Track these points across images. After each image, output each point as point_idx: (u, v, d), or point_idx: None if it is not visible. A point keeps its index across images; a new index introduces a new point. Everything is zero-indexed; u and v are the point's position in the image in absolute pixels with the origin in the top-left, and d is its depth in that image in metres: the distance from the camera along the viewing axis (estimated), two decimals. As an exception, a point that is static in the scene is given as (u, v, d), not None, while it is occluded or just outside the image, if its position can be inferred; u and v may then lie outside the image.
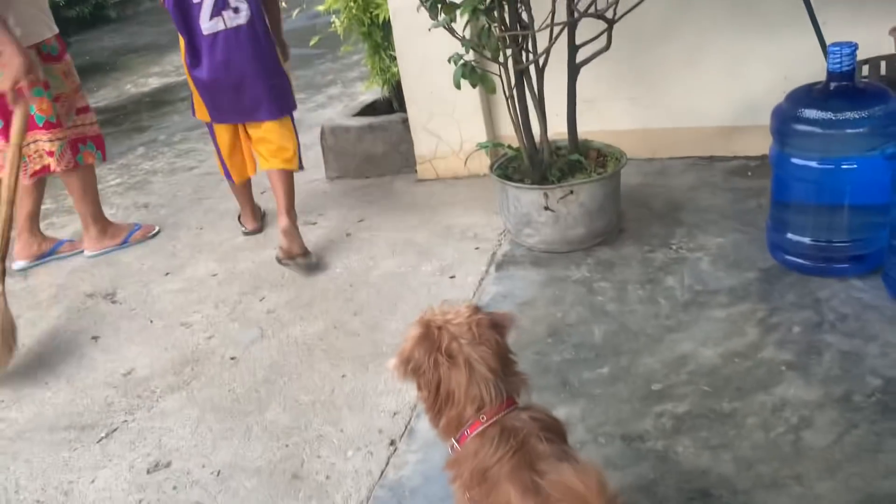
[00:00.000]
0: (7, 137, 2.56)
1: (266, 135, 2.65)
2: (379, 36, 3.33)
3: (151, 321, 2.49)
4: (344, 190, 3.32)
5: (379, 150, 3.36)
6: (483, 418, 1.23)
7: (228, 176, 2.85)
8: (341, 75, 5.39)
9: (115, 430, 1.98)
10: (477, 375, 1.24)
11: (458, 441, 1.26)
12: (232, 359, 2.21)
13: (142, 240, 3.08)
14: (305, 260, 2.60)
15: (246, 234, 3.00)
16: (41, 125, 2.74)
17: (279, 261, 2.61)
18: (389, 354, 2.04)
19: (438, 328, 1.28)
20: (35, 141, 2.77)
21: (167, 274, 2.79)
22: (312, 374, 2.07)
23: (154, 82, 6.28)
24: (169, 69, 6.64)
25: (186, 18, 2.49)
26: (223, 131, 2.74)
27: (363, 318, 2.30)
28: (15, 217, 2.61)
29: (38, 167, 2.82)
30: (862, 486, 1.43)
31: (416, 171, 3.29)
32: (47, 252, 3.03)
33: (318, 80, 5.34)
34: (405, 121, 3.26)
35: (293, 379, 2.07)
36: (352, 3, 3.24)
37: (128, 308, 2.60)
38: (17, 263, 2.95)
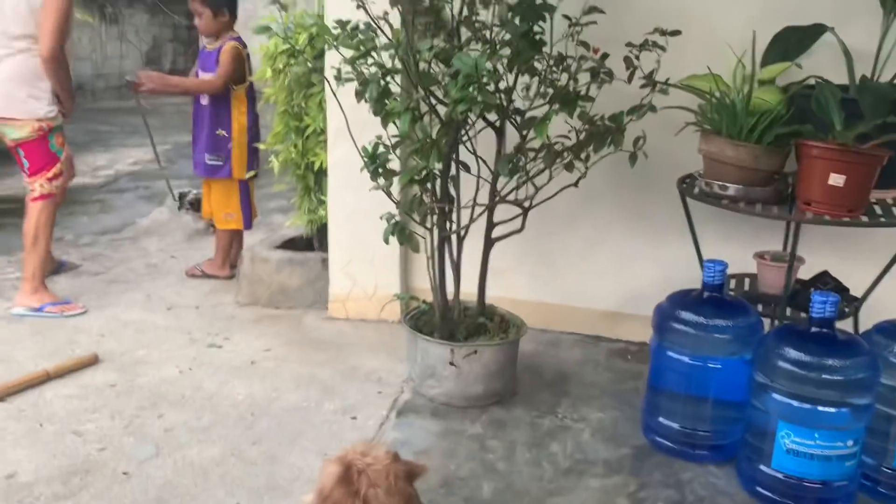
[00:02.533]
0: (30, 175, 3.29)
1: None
2: (311, 180, 3.57)
3: (41, 424, 2.45)
4: (253, 317, 3.41)
5: (294, 283, 3.51)
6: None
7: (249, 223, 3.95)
8: (259, 204, 5.54)
9: (-9, 536, 1.92)
10: None
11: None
12: (124, 473, 2.20)
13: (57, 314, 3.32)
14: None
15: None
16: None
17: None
18: (285, 488, 2.13)
19: (359, 472, 1.41)
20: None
21: (63, 378, 2.76)
22: (207, 499, 2.09)
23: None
24: (84, 169, 6.60)
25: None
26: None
27: (262, 449, 2.36)
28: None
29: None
30: None
31: (327, 308, 3.44)
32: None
33: (237, 204, 5.47)
34: (324, 260, 3.45)
35: (186, 502, 2.08)
36: (292, 148, 3.49)
37: (16, 408, 2.54)
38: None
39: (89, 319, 3.31)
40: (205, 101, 3.73)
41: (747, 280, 2.80)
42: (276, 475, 2.22)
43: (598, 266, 3.17)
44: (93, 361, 2.89)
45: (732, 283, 2.79)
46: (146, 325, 3.27)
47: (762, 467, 2.12)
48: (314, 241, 3.75)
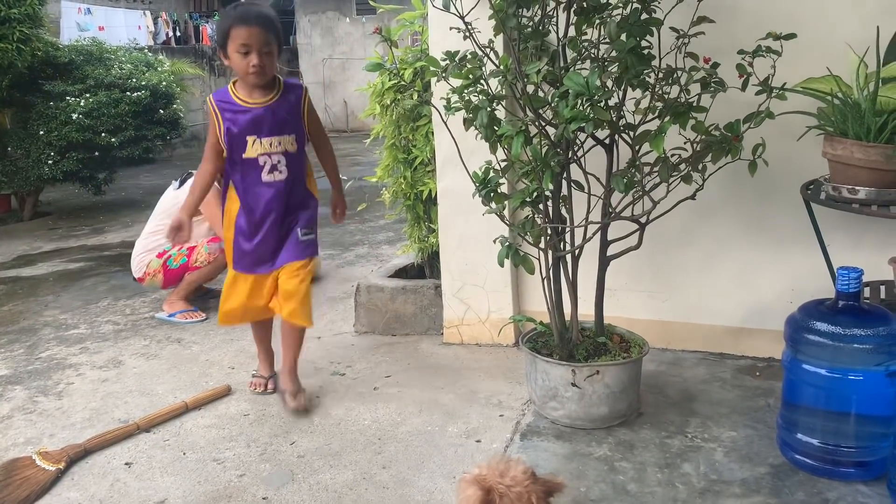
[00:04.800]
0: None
1: None
2: (421, 210, 3.65)
3: (184, 453, 2.59)
4: (372, 345, 3.50)
5: (409, 310, 3.58)
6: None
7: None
8: (368, 237, 5.73)
9: (148, 557, 2.03)
10: None
11: None
12: (264, 499, 2.29)
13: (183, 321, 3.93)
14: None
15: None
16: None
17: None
18: (419, 510, 2.16)
19: (500, 495, 1.41)
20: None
21: (199, 409, 2.91)
22: (343, 522, 2.15)
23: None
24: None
25: None
26: None
27: (391, 473, 2.40)
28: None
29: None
30: None
31: (442, 333, 3.49)
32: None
33: (347, 239, 5.66)
34: (437, 287, 3.50)
35: (324, 525, 2.15)
36: (401, 179, 3.59)
37: (161, 438, 2.70)
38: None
39: (220, 354, 3.48)
40: (282, 174, 2.70)
41: (882, 288, 2.65)
42: (408, 498, 2.25)
43: (719, 280, 3.08)
44: (226, 392, 3.04)
45: (867, 292, 2.64)
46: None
47: (918, 485, 1.99)
48: (425, 268, 3.82)
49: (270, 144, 2.67)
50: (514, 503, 1.40)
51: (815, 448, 2.24)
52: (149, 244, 4.09)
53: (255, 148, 2.65)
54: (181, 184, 4.13)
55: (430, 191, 3.52)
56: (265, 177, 2.69)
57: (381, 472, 2.41)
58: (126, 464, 2.53)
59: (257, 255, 2.78)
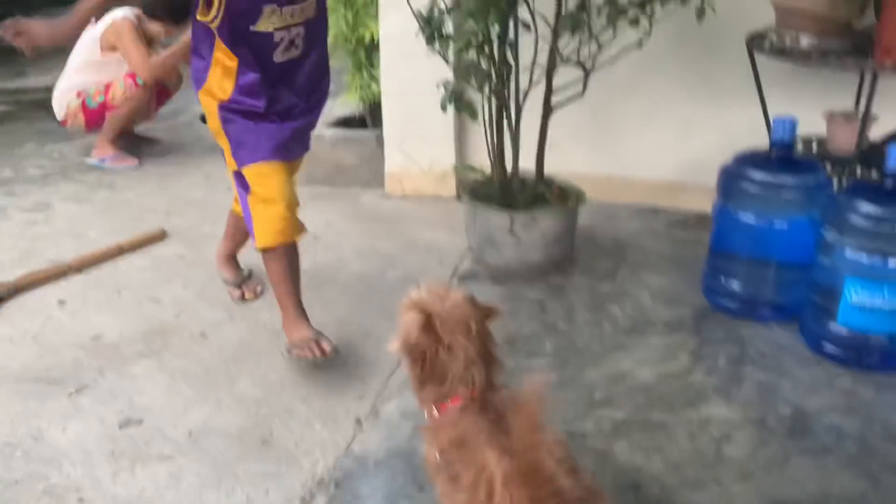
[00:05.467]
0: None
1: None
2: (363, 55, 3.51)
3: (119, 293, 2.57)
4: (311, 195, 3.43)
5: (350, 161, 3.53)
6: (467, 395, 1.40)
7: None
8: (309, 89, 5.54)
9: (85, 387, 2.05)
10: (471, 364, 1.41)
11: (437, 409, 1.42)
12: (202, 335, 2.31)
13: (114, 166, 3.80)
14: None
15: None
16: None
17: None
18: (356, 345, 2.22)
19: (441, 321, 1.43)
20: None
21: (134, 252, 2.86)
22: (280, 356, 2.19)
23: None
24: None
25: None
26: None
27: (330, 312, 2.44)
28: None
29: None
30: (769, 492, 1.67)
31: (383, 185, 3.46)
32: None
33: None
34: (379, 137, 3.44)
35: (262, 359, 2.19)
36: (341, 22, 3.43)
37: (94, 279, 2.66)
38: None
39: (154, 199, 3.40)
40: (297, 50, 2.08)
41: (815, 142, 2.71)
42: (347, 334, 2.30)
43: (658, 134, 3.10)
44: (162, 237, 2.99)
45: (799, 146, 2.70)
46: (208, 203, 3.34)
47: (827, 324, 2.12)
48: (367, 119, 3.73)
49: (292, 14, 1.99)
50: (453, 327, 1.42)
51: (736, 292, 2.35)
52: (68, 84, 3.86)
53: (272, 20, 1.96)
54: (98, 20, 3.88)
55: (373, 35, 3.38)
56: (279, 56, 2.04)
57: (320, 312, 2.43)
58: (59, 301, 2.50)
59: (291, 135, 2.20)
